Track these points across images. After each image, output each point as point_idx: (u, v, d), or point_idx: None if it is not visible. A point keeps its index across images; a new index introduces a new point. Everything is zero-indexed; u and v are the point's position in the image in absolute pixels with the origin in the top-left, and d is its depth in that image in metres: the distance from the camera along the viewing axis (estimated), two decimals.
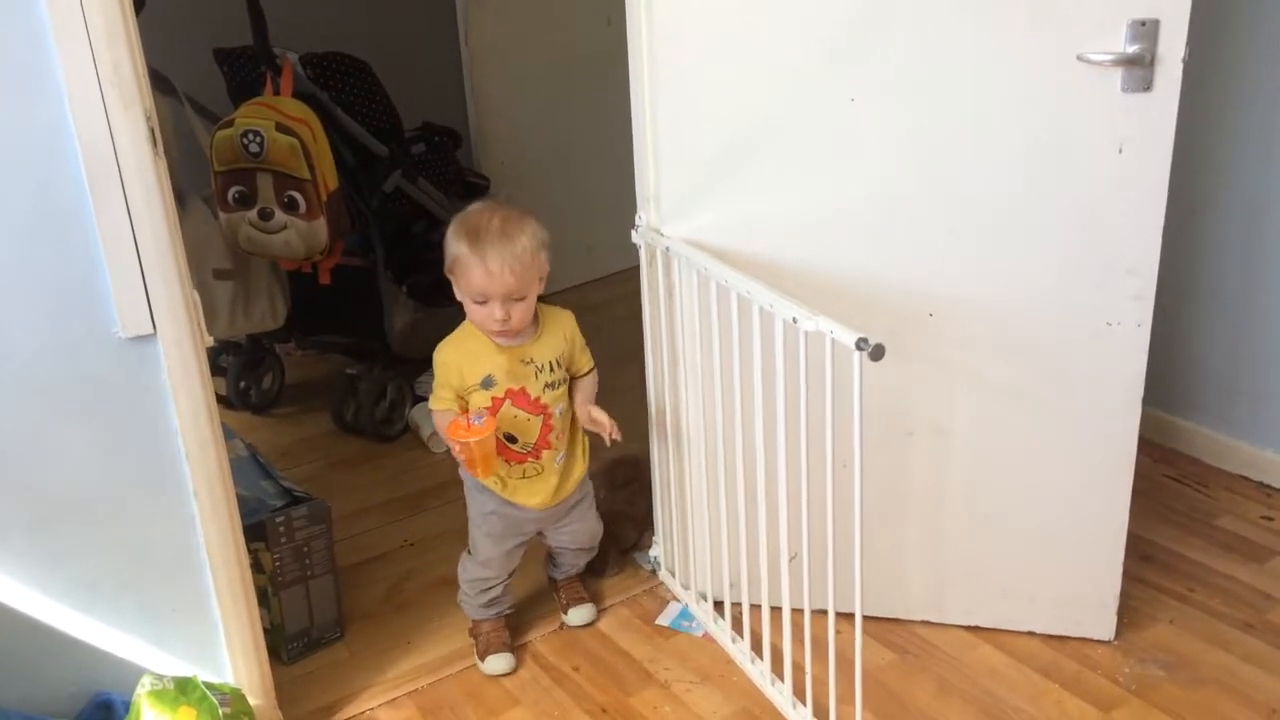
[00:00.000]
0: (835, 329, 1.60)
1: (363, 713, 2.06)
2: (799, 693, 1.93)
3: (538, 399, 1.97)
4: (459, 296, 1.94)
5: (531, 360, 1.97)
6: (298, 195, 2.65)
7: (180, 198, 2.75)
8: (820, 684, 1.87)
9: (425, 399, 3.11)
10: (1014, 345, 1.97)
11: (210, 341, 1.75)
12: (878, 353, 1.55)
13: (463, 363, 1.97)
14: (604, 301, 3.72)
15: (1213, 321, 2.66)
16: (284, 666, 2.14)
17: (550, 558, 2.29)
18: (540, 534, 2.17)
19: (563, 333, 2.02)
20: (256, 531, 2.07)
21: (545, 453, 2.02)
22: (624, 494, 2.47)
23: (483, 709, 2.05)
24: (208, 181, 2.76)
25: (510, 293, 1.87)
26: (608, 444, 2.07)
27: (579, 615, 2.25)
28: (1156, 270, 1.87)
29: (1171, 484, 2.66)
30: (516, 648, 2.17)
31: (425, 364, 3.21)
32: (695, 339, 2.03)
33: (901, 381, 2.01)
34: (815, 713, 1.90)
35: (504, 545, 2.11)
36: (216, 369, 3.11)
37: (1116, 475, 2.03)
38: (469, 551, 2.15)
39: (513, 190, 3.51)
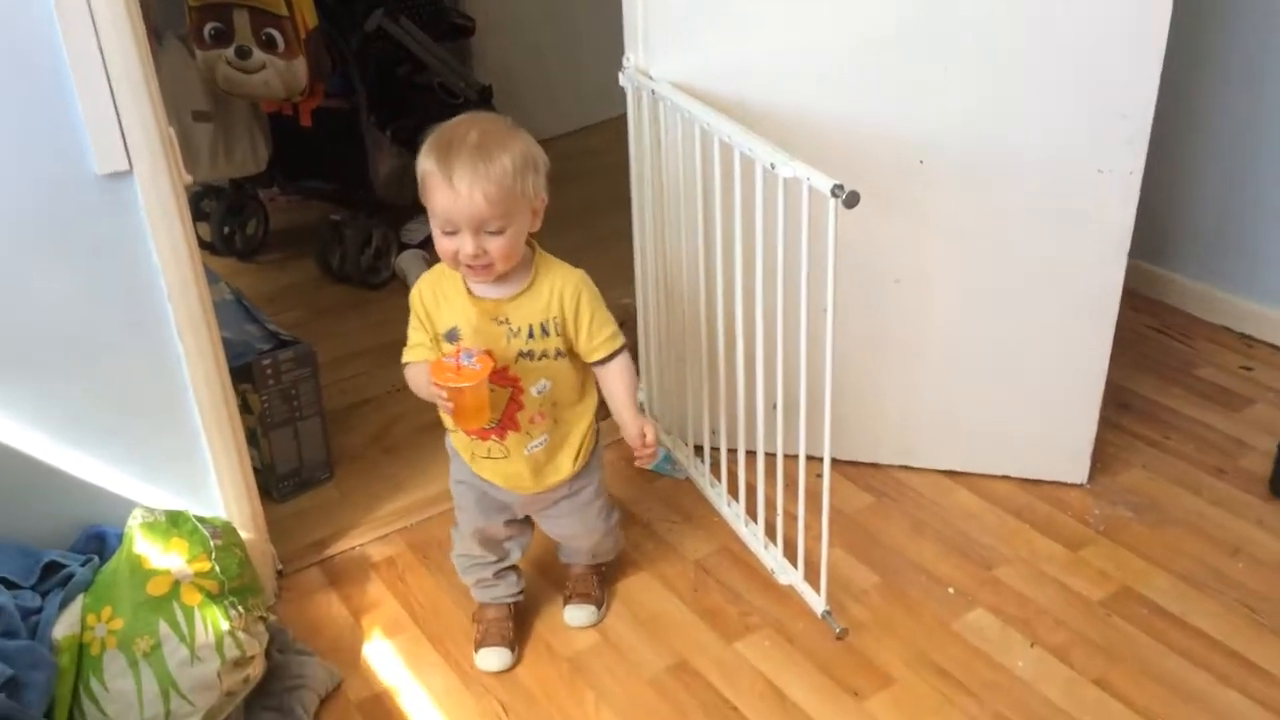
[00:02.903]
0: (812, 175, 1.58)
1: (354, 548, 2.12)
2: (770, 533, 1.98)
3: (505, 369, 1.60)
4: (430, 223, 1.57)
5: (506, 320, 1.60)
6: (275, 33, 2.58)
7: (157, 35, 2.69)
8: (791, 519, 1.92)
9: (411, 246, 3.12)
10: (1003, 192, 1.96)
11: (189, 181, 1.72)
12: (852, 199, 1.53)
13: (433, 303, 1.63)
14: (593, 149, 3.66)
15: (1205, 172, 2.64)
16: (275, 504, 2.19)
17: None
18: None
19: (559, 294, 1.61)
20: (243, 373, 2.09)
21: (512, 435, 1.67)
22: None
23: None
24: (185, 22, 2.68)
25: (482, 221, 1.49)
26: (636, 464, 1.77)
27: (576, 616, 1.92)
28: (1151, 115, 1.84)
29: (1154, 334, 2.68)
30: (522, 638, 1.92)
31: (411, 211, 3.23)
32: (680, 186, 2.01)
33: (889, 229, 2.00)
34: (786, 551, 1.96)
35: (479, 521, 1.80)
36: (199, 214, 3.10)
37: (1099, 325, 2.05)
38: (457, 522, 1.88)
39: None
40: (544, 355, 1.63)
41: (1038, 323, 2.06)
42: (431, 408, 1.64)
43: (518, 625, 1.90)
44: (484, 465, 1.72)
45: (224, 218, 3.16)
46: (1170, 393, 2.47)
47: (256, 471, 1.98)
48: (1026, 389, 2.12)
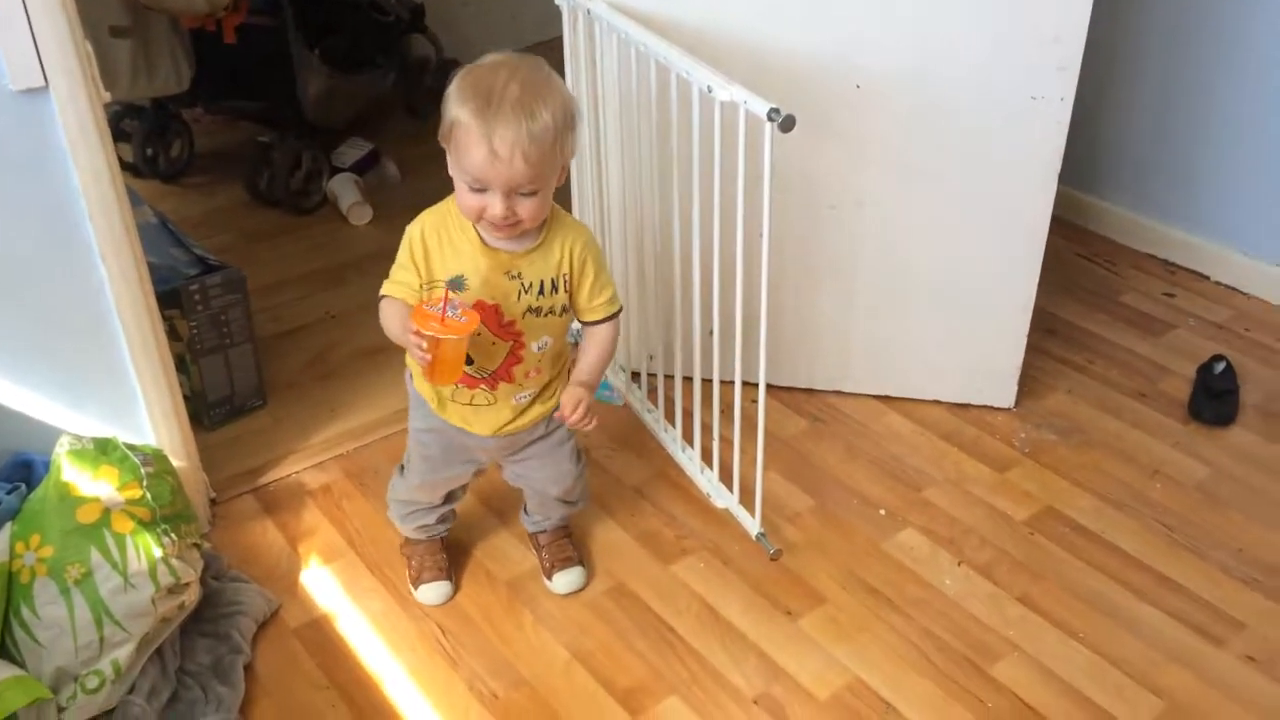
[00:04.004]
0: (749, 99, 1.57)
1: (288, 476, 2.10)
2: (706, 458, 2.01)
3: (512, 322, 1.54)
4: (450, 170, 1.46)
5: (519, 275, 1.52)
6: None
7: None
8: (727, 445, 1.95)
9: (343, 170, 3.05)
10: (937, 119, 1.97)
11: (108, 99, 1.66)
12: (788, 124, 1.52)
13: (436, 247, 1.52)
14: None
15: (1135, 100, 2.67)
16: (207, 432, 2.16)
17: (524, 505, 1.89)
18: (498, 465, 1.83)
19: (569, 251, 1.54)
20: (170, 299, 2.04)
21: (504, 386, 1.61)
22: None
23: None
24: None
25: (518, 185, 1.41)
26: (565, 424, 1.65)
27: (565, 582, 1.84)
28: (1083, 42, 1.85)
29: (1081, 261, 2.74)
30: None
31: (342, 133, 3.16)
32: (617, 109, 1.99)
33: (825, 155, 2.01)
34: (722, 475, 1.99)
35: (443, 472, 1.75)
36: (121, 134, 3.00)
37: (1028, 252, 2.08)
38: (402, 468, 1.81)
39: None
40: (550, 312, 1.56)
41: (969, 250, 2.09)
42: (368, 333, 1.61)
43: (457, 553, 1.90)
44: (457, 411, 1.64)
45: (146, 138, 3.06)
46: (1095, 319, 2.53)
47: (187, 399, 1.94)
48: (957, 315, 2.16)
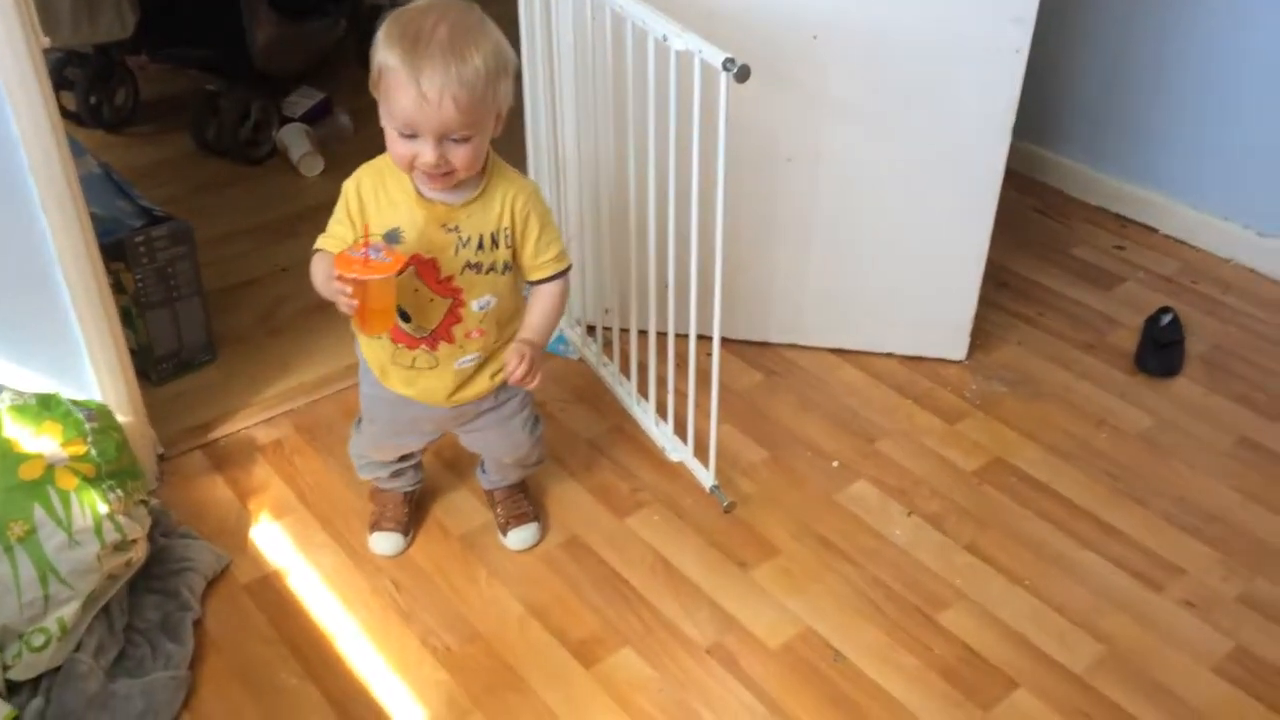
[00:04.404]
0: (704, 48, 1.56)
1: (238, 431, 2.08)
2: (661, 411, 2.01)
3: (449, 279, 1.50)
4: (382, 119, 1.43)
5: (456, 228, 1.48)
6: None
7: None
8: (681, 398, 1.95)
9: (294, 119, 3.00)
10: (893, 70, 1.96)
11: (48, 45, 1.61)
12: (743, 73, 1.51)
13: (371, 199, 1.48)
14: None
15: (1088, 55, 2.68)
16: (154, 387, 2.13)
17: (481, 462, 1.88)
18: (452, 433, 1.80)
19: (510, 204, 1.50)
20: (115, 251, 2.00)
21: (444, 347, 1.57)
22: None
23: None
24: None
25: (448, 129, 1.37)
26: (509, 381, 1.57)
27: (520, 538, 1.84)
28: None
29: (1034, 215, 2.75)
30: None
31: (293, 82, 3.09)
32: (572, 59, 1.96)
33: (782, 107, 2.00)
34: (676, 428, 1.99)
35: (391, 439, 1.75)
36: (62, 82, 2.92)
37: (981, 205, 2.09)
38: (359, 422, 1.79)
39: None
40: (491, 268, 1.52)
41: (923, 202, 2.09)
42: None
43: (412, 507, 1.90)
44: (399, 377, 1.61)
45: (89, 86, 2.98)
46: (1046, 271, 2.55)
47: (133, 353, 1.91)
48: (910, 268, 2.17)
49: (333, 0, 3.11)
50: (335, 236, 1.50)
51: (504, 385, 1.64)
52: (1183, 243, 2.64)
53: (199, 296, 2.16)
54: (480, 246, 1.50)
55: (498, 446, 1.77)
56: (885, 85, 1.98)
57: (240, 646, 1.68)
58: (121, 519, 1.62)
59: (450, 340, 1.56)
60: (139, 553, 1.67)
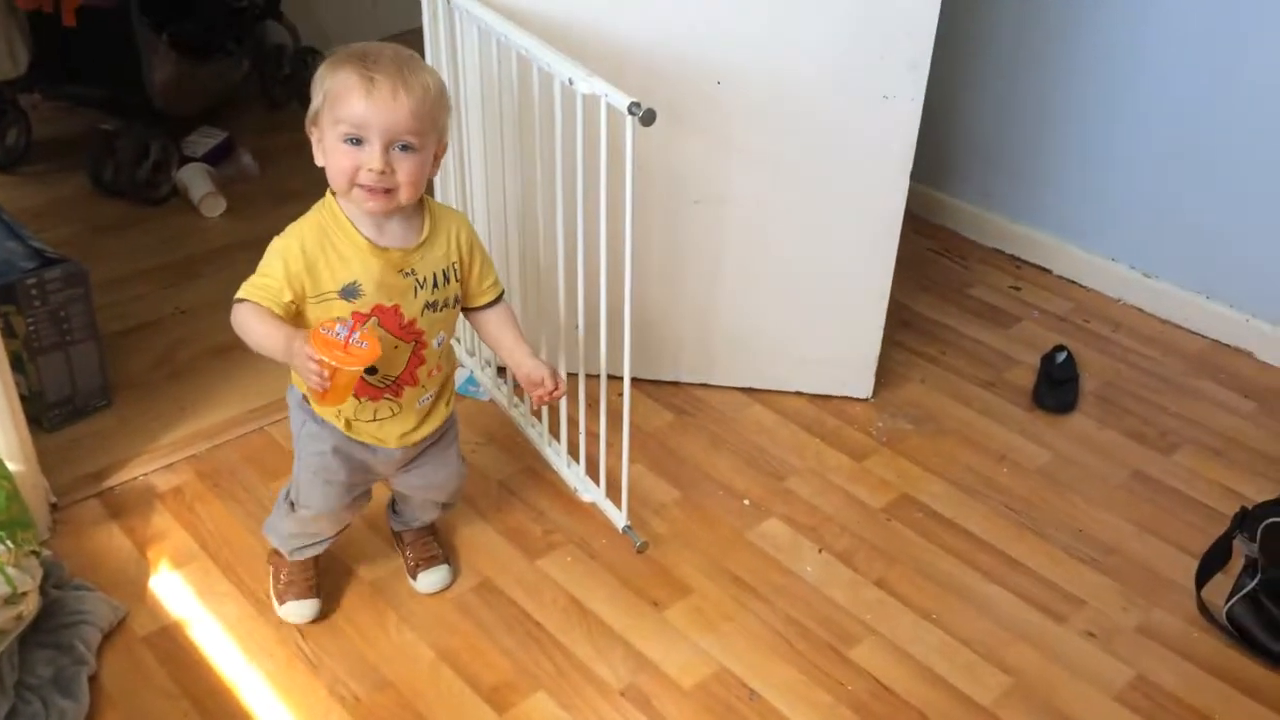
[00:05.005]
0: (610, 92, 1.58)
1: (136, 478, 2.01)
2: (573, 451, 2.01)
3: (412, 322, 1.50)
4: (318, 152, 1.43)
5: (412, 271, 1.49)
6: None
7: None
8: (593, 438, 1.95)
9: (194, 159, 2.94)
10: (795, 116, 2.01)
11: None
12: (649, 117, 1.53)
13: (320, 259, 1.44)
14: None
15: (981, 101, 2.78)
16: (46, 434, 2.05)
17: (391, 503, 1.84)
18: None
19: (455, 239, 1.53)
20: (6, 294, 1.94)
21: (409, 390, 1.56)
22: None
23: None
24: None
25: (398, 129, 1.37)
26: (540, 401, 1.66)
27: (430, 580, 1.81)
28: (932, 41, 1.91)
29: (933, 256, 2.83)
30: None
31: (193, 122, 3.04)
32: (479, 101, 1.97)
33: (688, 151, 2.03)
34: (588, 469, 1.99)
35: (345, 496, 1.65)
36: None
37: (882, 247, 2.14)
38: (289, 500, 1.67)
39: None
40: (445, 304, 1.54)
41: (827, 245, 2.14)
42: (220, 329, 1.53)
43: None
44: (363, 430, 1.58)
45: None
46: (947, 311, 2.62)
47: (24, 399, 1.84)
48: (816, 309, 2.21)
49: (235, 40, 3.07)
50: (264, 290, 1.44)
51: (450, 415, 1.67)
52: (1074, 283, 2.74)
53: (94, 340, 2.10)
54: (436, 285, 1.52)
55: (437, 480, 1.73)
56: (787, 130, 2.02)
57: (139, 701, 1.62)
58: (11, 571, 1.55)
59: (415, 383, 1.56)
60: (30, 606, 1.60)
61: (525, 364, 1.61)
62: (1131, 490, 2.11)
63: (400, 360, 1.53)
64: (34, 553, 1.65)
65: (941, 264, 2.81)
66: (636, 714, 1.64)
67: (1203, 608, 1.83)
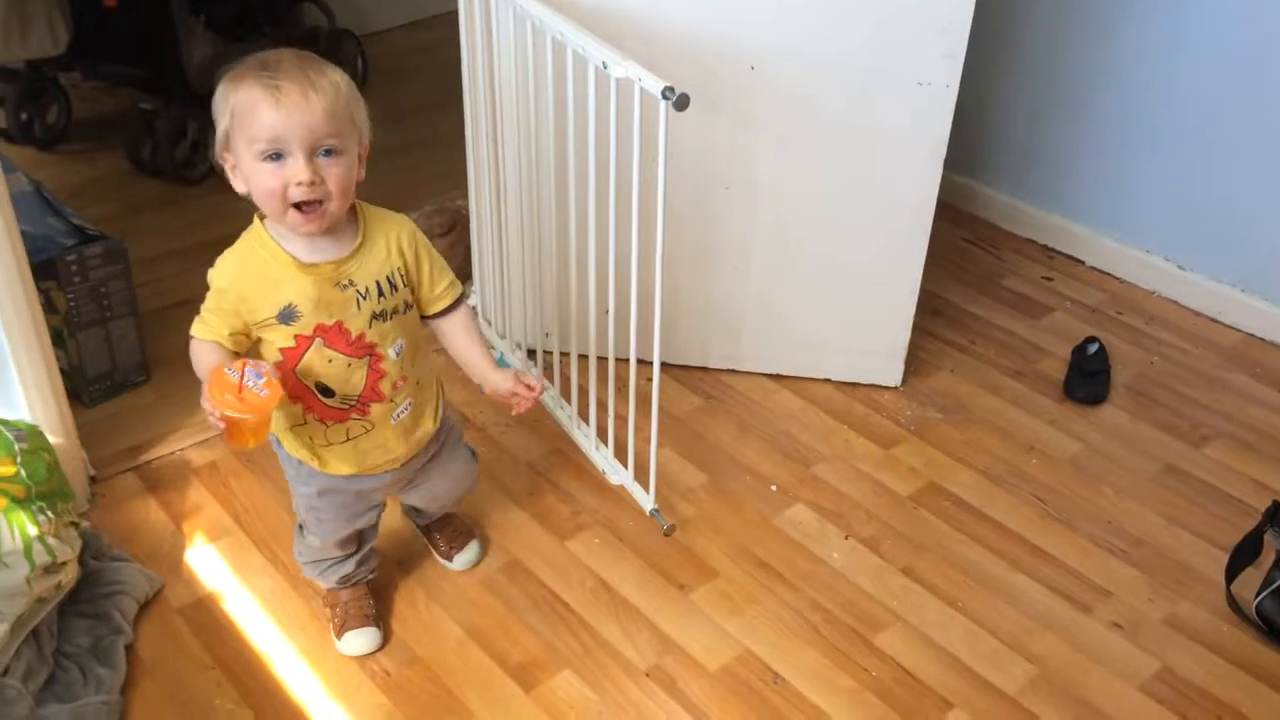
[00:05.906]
0: (644, 76, 1.58)
1: (172, 453, 2.05)
2: (602, 435, 2.02)
3: (360, 336, 1.44)
4: (236, 180, 1.37)
5: (350, 283, 1.41)
6: None
7: None
8: (621, 422, 1.96)
9: None
10: (828, 102, 2.00)
11: None
12: (683, 102, 1.54)
13: (250, 287, 1.39)
14: (425, 44, 3.55)
15: (1017, 90, 2.76)
16: (86, 409, 2.09)
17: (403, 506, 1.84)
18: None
19: (395, 243, 1.46)
20: (46, 270, 1.97)
21: (376, 407, 1.49)
22: (443, 243, 2.45)
23: None
24: None
25: (317, 134, 1.30)
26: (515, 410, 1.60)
27: (465, 559, 1.83)
28: (969, 29, 1.91)
29: (966, 246, 2.82)
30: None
31: None
32: (513, 84, 1.98)
33: (721, 136, 2.03)
34: (616, 452, 2.00)
35: (347, 526, 1.63)
36: None
37: (914, 236, 2.13)
38: (300, 527, 1.67)
39: None
40: (395, 312, 1.46)
41: (858, 233, 2.14)
42: None
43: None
44: (340, 455, 1.52)
45: (21, 103, 2.93)
46: (978, 301, 2.61)
47: (65, 374, 1.88)
48: (846, 296, 2.21)
49: (271, 22, 3.10)
50: (206, 326, 1.41)
51: (440, 425, 1.62)
52: (1108, 274, 2.72)
53: (133, 316, 2.13)
54: (381, 294, 1.45)
55: (446, 488, 1.73)
56: (821, 116, 2.02)
57: (174, 671, 1.65)
58: (51, 541, 1.58)
59: (380, 399, 1.50)
60: (69, 576, 1.63)
61: (491, 377, 1.56)
62: (1162, 483, 2.10)
63: (358, 378, 1.46)
64: (73, 524, 1.69)
65: (974, 253, 2.79)
66: (662, 694, 1.66)
67: (1232, 601, 1.83)
